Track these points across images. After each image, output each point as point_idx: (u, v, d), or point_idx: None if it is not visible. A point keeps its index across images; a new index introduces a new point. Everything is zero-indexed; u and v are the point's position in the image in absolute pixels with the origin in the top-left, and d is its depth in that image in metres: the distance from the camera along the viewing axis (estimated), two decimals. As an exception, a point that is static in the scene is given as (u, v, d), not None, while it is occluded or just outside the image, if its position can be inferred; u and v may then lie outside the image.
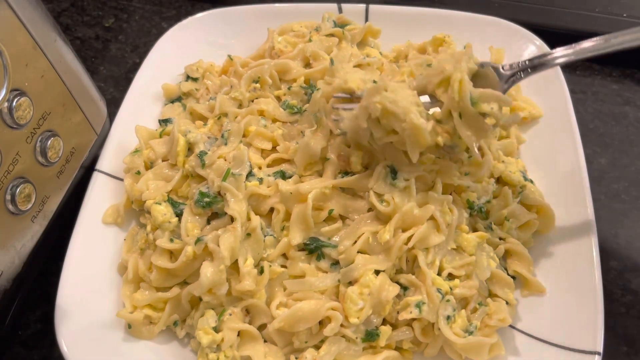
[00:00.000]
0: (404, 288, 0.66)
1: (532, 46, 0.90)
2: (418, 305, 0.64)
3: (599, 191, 0.85)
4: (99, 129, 0.79)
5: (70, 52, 0.73)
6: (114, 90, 1.02)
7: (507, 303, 0.67)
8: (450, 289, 0.65)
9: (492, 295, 0.69)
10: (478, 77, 0.67)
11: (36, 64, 0.65)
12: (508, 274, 0.70)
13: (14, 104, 0.61)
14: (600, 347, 0.61)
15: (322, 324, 0.65)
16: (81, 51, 1.08)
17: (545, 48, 0.88)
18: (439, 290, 0.64)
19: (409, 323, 0.66)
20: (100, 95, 0.81)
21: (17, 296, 0.71)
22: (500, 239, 0.72)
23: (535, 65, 0.68)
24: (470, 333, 0.64)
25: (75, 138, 0.73)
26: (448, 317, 0.64)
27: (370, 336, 0.65)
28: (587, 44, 0.65)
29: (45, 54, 0.66)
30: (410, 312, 0.64)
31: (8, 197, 0.62)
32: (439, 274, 0.67)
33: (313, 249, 0.68)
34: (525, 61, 0.68)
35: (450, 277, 0.67)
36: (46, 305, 0.69)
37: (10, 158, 0.62)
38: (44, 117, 0.66)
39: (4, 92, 0.59)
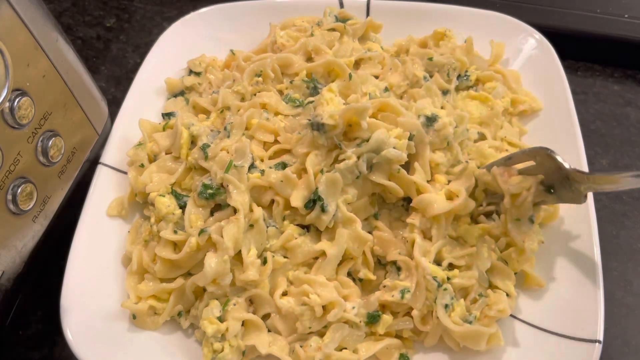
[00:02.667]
0: (398, 268, 0.68)
1: (532, 40, 0.91)
2: (402, 292, 0.65)
3: (600, 192, 0.85)
4: (100, 129, 0.79)
5: (72, 52, 0.73)
6: (115, 90, 1.02)
7: (507, 295, 0.67)
8: (448, 278, 0.66)
9: (492, 286, 0.69)
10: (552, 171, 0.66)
11: (37, 64, 0.65)
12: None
13: (16, 103, 0.61)
14: (600, 336, 0.62)
15: (325, 309, 0.65)
16: (82, 51, 1.08)
17: (544, 42, 0.89)
18: (435, 278, 0.64)
19: (408, 312, 0.67)
20: (101, 95, 0.81)
21: (18, 296, 0.71)
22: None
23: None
24: (470, 323, 0.64)
25: (76, 138, 0.74)
26: (446, 306, 0.64)
27: (373, 318, 0.66)
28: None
29: (47, 53, 0.66)
30: (392, 296, 0.65)
31: (9, 196, 0.63)
32: (439, 263, 0.67)
33: (314, 202, 0.68)
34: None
35: (451, 267, 0.68)
36: (47, 305, 0.69)
37: (12, 158, 0.62)
38: (45, 117, 0.67)
39: (5, 92, 0.59)
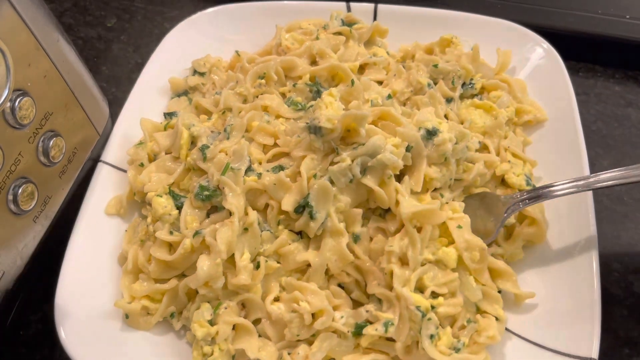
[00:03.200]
0: (379, 300, 0.67)
1: (539, 49, 0.90)
2: (385, 325, 0.63)
3: (601, 193, 0.85)
4: (101, 129, 0.79)
5: (73, 52, 0.73)
6: (116, 90, 1.02)
7: (497, 319, 0.66)
8: (433, 307, 0.64)
9: (481, 311, 0.68)
10: (483, 203, 0.73)
11: (39, 64, 0.65)
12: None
13: (17, 104, 0.61)
14: (595, 354, 0.61)
15: (314, 317, 0.65)
16: (83, 51, 1.09)
17: (552, 51, 0.88)
18: (418, 308, 0.63)
19: (390, 338, 0.65)
20: (102, 95, 0.81)
21: (19, 296, 0.71)
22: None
23: (535, 197, 0.71)
24: (458, 350, 0.63)
25: (77, 138, 0.74)
26: (431, 336, 0.63)
27: (361, 329, 0.65)
28: (589, 179, 0.68)
29: (48, 54, 0.66)
30: (376, 330, 0.63)
31: (10, 197, 0.63)
32: (422, 291, 0.65)
33: (303, 207, 0.68)
34: (524, 192, 0.72)
35: (434, 295, 0.65)
36: (48, 306, 0.69)
37: (13, 158, 0.62)
38: (46, 117, 0.67)
39: (6, 92, 0.60)
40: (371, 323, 0.65)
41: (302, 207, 0.68)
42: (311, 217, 0.67)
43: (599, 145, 0.92)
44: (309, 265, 0.69)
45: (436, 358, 0.62)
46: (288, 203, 0.68)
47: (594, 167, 0.87)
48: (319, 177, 0.68)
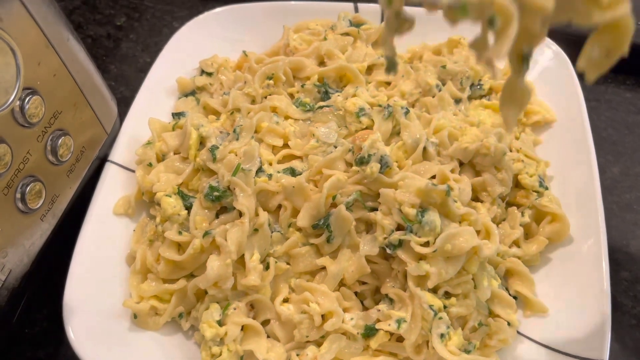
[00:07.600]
0: (391, 300, 0.66)
1: (548, 51, 0.89)
2: (398, 322, 0.63)
3: (610, 200, 0.85)
4: (109, 128, 0.79)
5: (82, 50, 0.73)
6: (125, 89, 1.02)
7: (509, 324, 0.66)
8: (445, 307, 0.64)
9: (493, 315, 0.67)
10: None
11: (48, 63, 0.65)
12: (509, 294, 0.69)
13: (26, 102, 0.61)
14: (606, 356, 0.61)
15: (324, 319, 0.65)
16: (92, 49, 1.09)
17: (561, 53, 0.88)
18: (431, 307, 0.63)
19: (399, 339, 0.65)
20: (110, 94, 0.81)
21: (25, 294, 0.71)
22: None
23: None
24: (469, 352, 0.63)
25: (85, 137, 0.74)
26: (442, 335, 0.62)
27: (370, 331, 0.65)
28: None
29: (58, 52, 0.66)
30: (389, 325, 0.63)
31: (18, 195, 0.63)
32: (435, 291, 0.65)
33: (321, 224, 0.68)
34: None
35: (447, 295, 0.65)
36: (53, 304, 0.69)
37: (21, 156, 0.62)
38: (55, 115, 0.67)
39: (16, 90, 0.60)
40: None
41: (320, 223, 0.68)
42: (328, 240, 0.68)
43: (609, 152, 0.91)
44: (320, 268, 0.69)
45: (445, 357, 0.61)
46: (304, 219, 0.68)
47: (604, 174, 0.86)
48: (338, 199, 0.68)
